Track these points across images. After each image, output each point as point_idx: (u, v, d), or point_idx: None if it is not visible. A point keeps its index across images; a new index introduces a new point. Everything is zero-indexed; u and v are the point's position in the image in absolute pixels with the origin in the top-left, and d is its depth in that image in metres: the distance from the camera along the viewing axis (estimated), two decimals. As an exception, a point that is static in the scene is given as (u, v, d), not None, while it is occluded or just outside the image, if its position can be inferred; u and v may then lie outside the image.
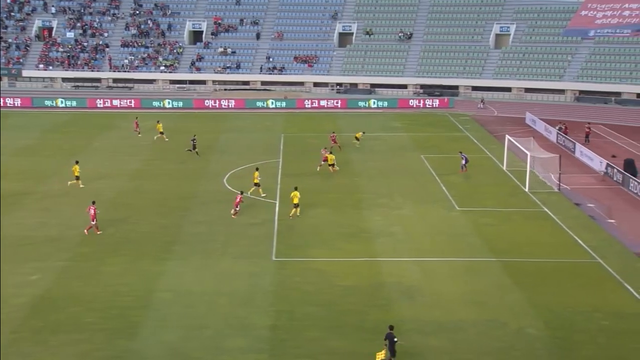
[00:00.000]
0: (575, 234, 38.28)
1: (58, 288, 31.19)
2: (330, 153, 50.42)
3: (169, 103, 78.83)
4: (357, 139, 58.26)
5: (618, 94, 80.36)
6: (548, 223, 40.17)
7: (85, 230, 37.84)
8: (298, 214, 40.20)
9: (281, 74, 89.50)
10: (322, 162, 50.23)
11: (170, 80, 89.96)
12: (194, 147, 54.58)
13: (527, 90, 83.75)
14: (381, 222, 39.89)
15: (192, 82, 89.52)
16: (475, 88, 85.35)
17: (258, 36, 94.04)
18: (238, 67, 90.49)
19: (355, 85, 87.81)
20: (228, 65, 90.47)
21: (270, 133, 64.20)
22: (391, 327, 25.41)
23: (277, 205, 42.86)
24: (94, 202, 38.56)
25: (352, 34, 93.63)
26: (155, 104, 78.64)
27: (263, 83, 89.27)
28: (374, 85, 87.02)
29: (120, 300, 29.92)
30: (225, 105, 78.80)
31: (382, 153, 56.84)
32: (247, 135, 62.77)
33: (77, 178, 46.41)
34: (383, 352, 24.88)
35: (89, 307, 29.27)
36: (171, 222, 39.93)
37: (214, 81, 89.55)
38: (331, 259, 34.41)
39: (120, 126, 67.39)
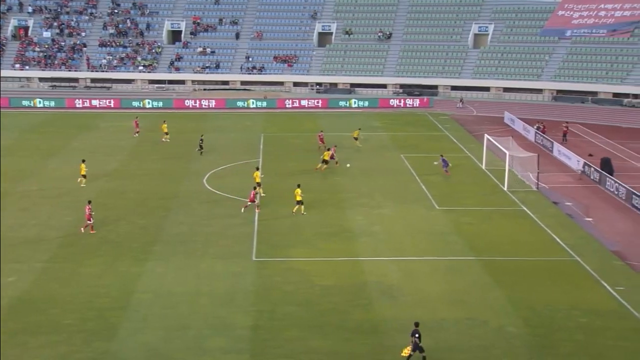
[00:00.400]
0: (553, 232, 38.45)
1: (36, 290, 30.90)
2: (328, 150, 50.76)
3: (149, 103, 78.34)
4: (355, 138, 57.73)
5: (594, 93, 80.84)
6: (527, 222, 40.34)
7: (82, 229, 37.62)
8: (303, 212, 40.33)
9: (261, 73, 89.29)
10: (331, 159, 50.53)
11: (149, 80, 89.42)
12: (201, 147, 54.51)
13: (506, 89, 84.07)
14: (362, 222, 39.88)
15: (171, 82, 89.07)
16: (454, 87, 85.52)
17: (237, 36, 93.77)
18: (217, 66, 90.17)
19: (335, 85, 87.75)
20: (207, 65, 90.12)
21: (250, 133, 64.04)
22: (417, 324, 25.35)
23: (257, 204, 42.64)
24: (89, 202, 38.23)
25: (331, 33, 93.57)
26: (135, 104, 78.10)
27: (243, 83, 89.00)
28: (353, 85, 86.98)
29: (99, 302, 29.69)
30: (205, 105, 78.42)
31: (362, 152, 56.80)
32: (227, 135, 62.59)
33: (84, 176, 46.46)
34: (408, 348, 24.90)
35: (68, 309, 29.01)
36: (151, 222, 39.68)
37: (193, 81, 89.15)
38: (312, 259, 34.34)
39: (99, 126, 66.90)
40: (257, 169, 45.04)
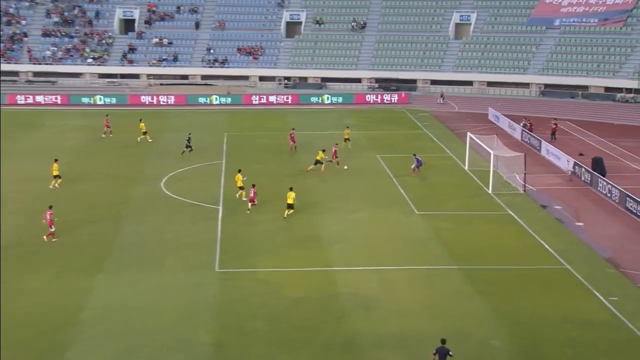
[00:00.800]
0: (541, 238, 38.80)
1: (-25, 306, 30.48)
2: (323, 150, 50.92)
3: (100, 99, 77.90)
4: (346, 139, 57.28)
5: (585, 87, 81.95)
6: (513, 227, 40.68)
7: (45, 237, 37.52)
8: (285, 216, 40.95)
9: (223, 67, 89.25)
10: (334, 159, 51.02)
11: (99, 74, 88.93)
12: (188, 146, 54.75)
13: (490, 84, 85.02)
14: (335, 228, 40.07)
15: (123, 76, 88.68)
16: (434, 82, 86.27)
17: (197, 25, 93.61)
18: (175, 59, 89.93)
19: (305, 79, 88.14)
20: (164, 57, 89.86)
21: (212, 132, 64.13)
22: (443, 341, 25.53)
23: (221, 210, 42.76)
24: (50, 207, 38.21)
25: (300, 23, 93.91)
26: (85, 100, 77.68)
27: (203, 77, 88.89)
28: (325, 80, 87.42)
29: (45, 319, 29.42)
30: (164, 102, 78.31)
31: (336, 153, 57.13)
32: (186, 135, 62.32)
33: (58, 177, 47.03)
34: None
35: (9, 327, 28.67)
36: (103, 230, 39.44)
37: (148, 75, 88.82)
38: (280, 269, 34.38)
39: (44, 125, 66.36)
40: (239, 171, 45.19)
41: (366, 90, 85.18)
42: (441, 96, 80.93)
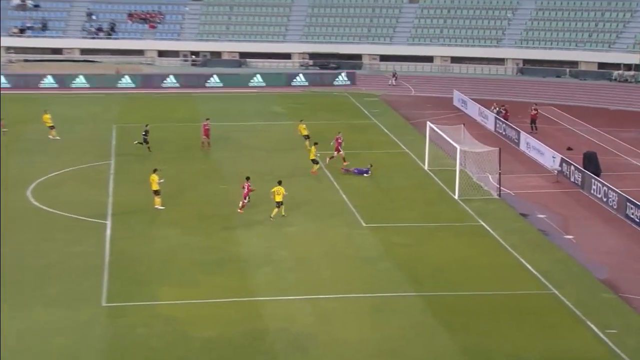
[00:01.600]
0: (521, 255, 39.07)
1: None
2: (316, 144, 51.77)
3: (-56, 80, 76.35)
4: (306, 137, 57.49)
5: (574, 63, 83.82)
6: (485, 241, 41.04)
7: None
8: (283, 214, 42.61)
9: (110, 38, 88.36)
10: (337, 154, 52.68)
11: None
12: (146, 141, 55.67)
13: (454, 60, 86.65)
14: (261, 245, 40.01)
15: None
16: (384, 58, 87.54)
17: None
18: (44, 27, 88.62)
19: (219, 54, 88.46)
20: (29, 25, 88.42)
21: (97, 123, 63.79)
22: None
23: (109, 225, 42.50)
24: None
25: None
26: None
27: (83, 52, 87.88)
28: (244, 55, 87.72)
29: None
30: (32, 84, 77.17)
31: (259, 150, 57.16)
32: (64, 127, 61.59)
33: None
34: None
35: None
36: (-50, 254, 38.51)
37: (8, 48, 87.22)
38: (189, 301, 34.02)
39: None
40: (155, 170, 45.33)
41: (298, 69, 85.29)
42: (393, 76, 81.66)
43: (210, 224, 42.57)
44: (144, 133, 56.05)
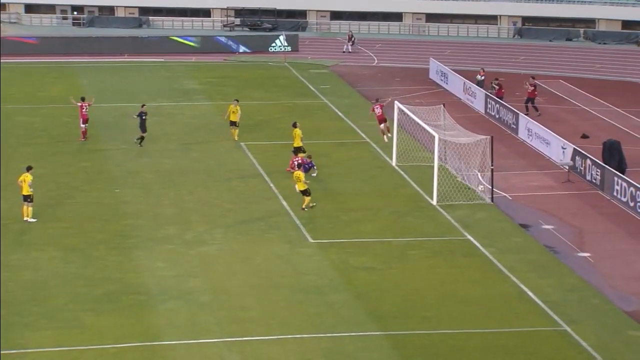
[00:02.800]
0: (521, 280, 35.91)
1: None
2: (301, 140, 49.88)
3: None
4: (233, 123, 53.31)
5: (590, 21, 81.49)
6: (473, 262, 37.82)
7: None
8: (313, 204, 42.19)
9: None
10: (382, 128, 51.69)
11: None
12: (143, 128, 52.22)
13: (430, 17, 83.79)
14: (167, 272, 36.91)
15: None
16: (336, 15, 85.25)
17: None
18: None
19: (111, 10, 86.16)
20: None
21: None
22: None
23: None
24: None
25: None
26: None
27: None
28: (145, 11, 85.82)
29: None
30: None
31: (166, 140, 54.07)
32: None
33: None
34: None
35: None
36: None
37: None
38: (67, 347, 30.71)
39: None
40: (29, 169, 41.40)
41: (220, 30, 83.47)
42: (349, 40, 78.14)
43: (94, 242, 39.27)
44: (140, 115, 51.69)
